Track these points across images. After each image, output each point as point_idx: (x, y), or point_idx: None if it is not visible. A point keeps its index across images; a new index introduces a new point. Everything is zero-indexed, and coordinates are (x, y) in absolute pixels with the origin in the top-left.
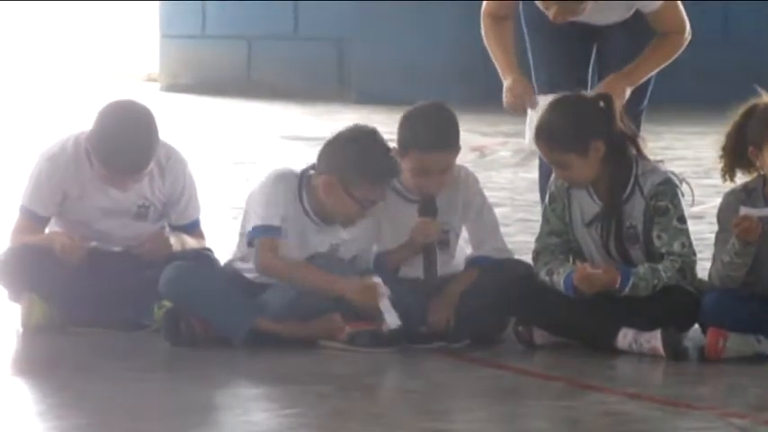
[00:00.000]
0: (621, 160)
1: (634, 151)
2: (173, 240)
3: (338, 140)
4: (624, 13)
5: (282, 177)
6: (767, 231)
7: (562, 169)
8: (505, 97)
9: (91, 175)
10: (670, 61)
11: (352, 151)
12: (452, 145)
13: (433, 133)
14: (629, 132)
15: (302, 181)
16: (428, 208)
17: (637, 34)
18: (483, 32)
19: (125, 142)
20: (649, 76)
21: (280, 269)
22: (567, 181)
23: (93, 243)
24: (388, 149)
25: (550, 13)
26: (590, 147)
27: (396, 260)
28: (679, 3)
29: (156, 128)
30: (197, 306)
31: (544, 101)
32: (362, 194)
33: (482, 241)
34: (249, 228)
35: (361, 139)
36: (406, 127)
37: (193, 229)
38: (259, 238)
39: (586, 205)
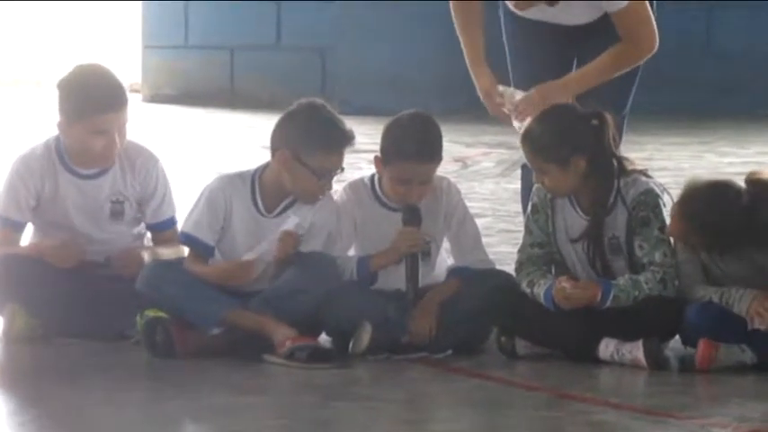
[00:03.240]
0: (605, 180)
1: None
2: (146, 255)
3: (288, 115)
4: (593, 13)
5: (222, 188)
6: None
7: (541, 176)
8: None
9: (63, 172)
10: (620, 72)
11: (301, 121)
12: (435, 156)
13: (415, 144)
14: (617, 155)
15: (254, 178)
16: (412, 217)
17: (614, 33)
18: (453, 15)
19: (95, 78)
20: (591, 86)
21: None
22: (545, 188)
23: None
24: (339, 119)
25: (510, 3)
26: (571, 161)
27: (378, 264)
28: (648, 8)
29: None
30: (170, 298)
31: (518, 95)
32: (317, 163)
33: (464, 252)
34: (181, 228)
35: (309, 109)
36: (388, 137)
37: (169, 227)
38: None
39: (571, 218)
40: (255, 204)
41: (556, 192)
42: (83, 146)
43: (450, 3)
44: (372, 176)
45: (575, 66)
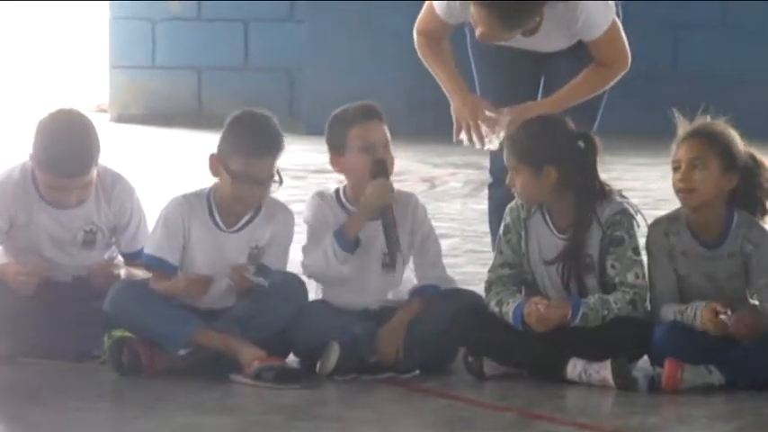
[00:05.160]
0: (586, 203)
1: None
2: (121, 272)
3: (227, 122)
4: (567, 41)
5: (178, 208)
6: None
7: (514, 176)
8: (455, 124)
9: (38, 201)
10: (598, 92)
11: (230, 127)
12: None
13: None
14: (600, 179)
15: (209, 195)
16: (380, 169)
17: (584, 61)
18: (418, 50)
19: (64, 145)
20: (574, 104)
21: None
22: (515, 193)
23: (46, 269)
24: (270, 128)
25: (477, 32)
26: (544, 169)
27: (354, 228)
28: (621, 33)
29: (95, 131)
30: (137, 319)
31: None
32: (237, 168)
33: (425, 269)
34: (144, 249)
35: (242, 116)
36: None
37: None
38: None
39: (545, 238)
40: (214, 221)
41: (523, 197)
42: (56, 195)
43: (416, 39)
44: (337, 188)
45: (542, 84)
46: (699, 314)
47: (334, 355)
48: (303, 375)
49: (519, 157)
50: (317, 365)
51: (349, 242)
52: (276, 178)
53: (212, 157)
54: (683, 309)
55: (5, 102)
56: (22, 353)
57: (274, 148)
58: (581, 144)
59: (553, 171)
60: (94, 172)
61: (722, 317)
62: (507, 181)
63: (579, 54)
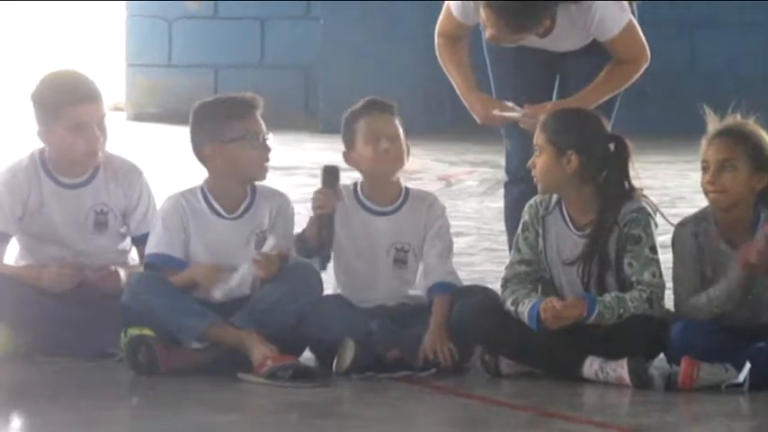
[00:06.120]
0: (613, 205)
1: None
2: (122, 273)
3: (191, 121)
4: (583, 41)
5: (174, 206)
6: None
7: (536, 156)
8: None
9: (48, 182)
10: (622, 89)
11: (200, 115)
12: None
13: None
14: (631, 181)
15: (203, 188)
16: (328, 177)
17: (599, 60)
18: (437, 52)
19: (64, 76)
20: (599, 102)
21: None
22: (534, 175)
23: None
24: (233, 95)
25: (486, 33)
26: (566, 153)
27: (309, 236)
28: (637, 29)
29: None
30: (154, 310)
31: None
32: (236, 134)
33: (431, 260)
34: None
35: (201, 105)
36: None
37: None
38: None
39: (563, 236)
40: (213, 209)
41: (542, 180)
42: (65, 146)
43: (437, 40)
44: (355, 183)
45: (557, 84)
46: (723, 280)
47: (350, 351)
48: (318, 374)
49: (547, 135)
50: (334, 363)
51: (306, 248)
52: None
53: (206, 148)
54: (707, 293)
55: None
56: (39, 351)
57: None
58: (611, 146)
59: (575, 157)
60: (105, 108)
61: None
62: (529, 163)
63: (593, 53)
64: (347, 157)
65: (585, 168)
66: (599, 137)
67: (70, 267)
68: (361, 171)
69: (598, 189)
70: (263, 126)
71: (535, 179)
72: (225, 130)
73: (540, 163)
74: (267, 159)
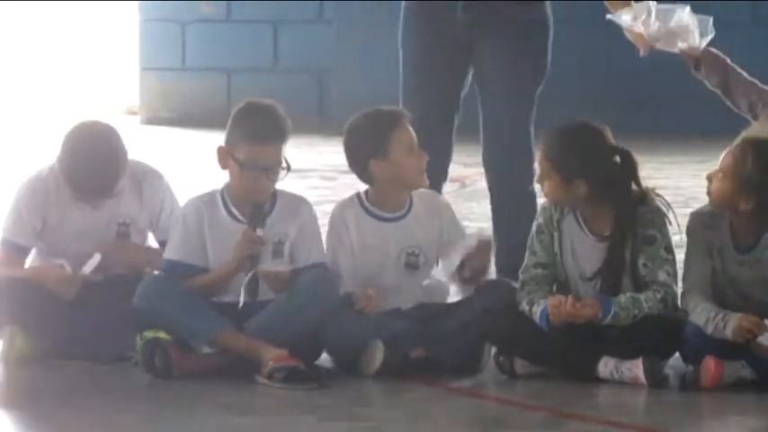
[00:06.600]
0: (627, 214)
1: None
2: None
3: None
4: None
5: (193, 210)
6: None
7: (543, 178)
8: None
9: (69, 198)
10: None
11: (235, 117)
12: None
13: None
14: (645, 189)
15: (222, 192)
16: (254, 215)
17: (515, 45)
18: None
19: (90, 164)
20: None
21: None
22: (543, 192)
23: (87, 271)
24: (276, 116)
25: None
26: (574, 182)
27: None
28: None
29: (121, 145)
30: (165, 313)
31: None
32: (243, 155)
33: (458, 246)
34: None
35: (243, 105)
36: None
37: None
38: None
39: (580, 242)
40: (231, 214)
41: (551, 201)
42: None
43: None
44: (358, 192)
45: (470, 76)
46: (730, 326)
47: (378, 353)
48: (315, 376)
49: (552, 164)
50: (360, 365)
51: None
52: (284, 165)
53: (220, 149)
54: (712, 316)
55: (37, 104)
56: (55, 354)
57: (279, 133)
58: (617, 159)
59: (583, 184)
60: (121, 183)
61: (760, 339)
62: (540, 209)
63: (506, 40)
64: (373, 164)
65: (595, 190)
66: (603, 156)
67: (70, 279)
68: (384, 179)
69: (611, 202)
70: (275, 158)
71: (545, 196)
72: (235, 146)
73: (548, 187)
74: (265, 189)
